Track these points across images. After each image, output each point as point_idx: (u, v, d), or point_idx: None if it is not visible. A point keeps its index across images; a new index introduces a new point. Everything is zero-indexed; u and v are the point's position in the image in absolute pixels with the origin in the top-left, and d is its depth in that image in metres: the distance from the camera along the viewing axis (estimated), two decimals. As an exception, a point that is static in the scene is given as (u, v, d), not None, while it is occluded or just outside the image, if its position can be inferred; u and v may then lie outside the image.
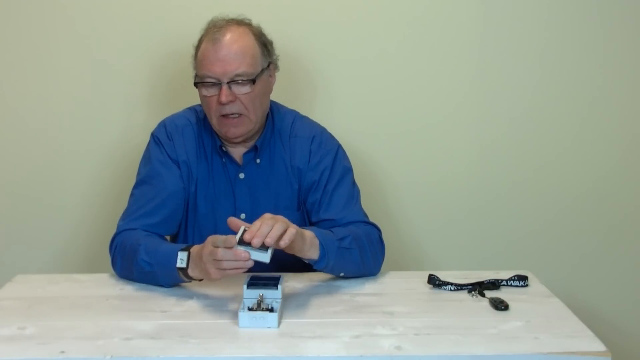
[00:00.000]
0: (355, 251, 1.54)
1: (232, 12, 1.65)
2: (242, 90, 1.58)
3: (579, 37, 2.07)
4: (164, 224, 1.63)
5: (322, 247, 1.46)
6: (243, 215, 1.65)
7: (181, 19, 2.00)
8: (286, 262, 1.65)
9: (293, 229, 1.36)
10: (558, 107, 2.11)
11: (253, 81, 1.58)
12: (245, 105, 1.59)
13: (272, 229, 1.32)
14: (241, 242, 1.32)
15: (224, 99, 1.56)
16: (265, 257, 1.31)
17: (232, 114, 1.59)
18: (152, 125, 1.74)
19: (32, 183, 2.10)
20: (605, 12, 2.06)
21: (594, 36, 2.07)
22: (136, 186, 1.67)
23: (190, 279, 1.45)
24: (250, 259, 1.31)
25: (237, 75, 1.57)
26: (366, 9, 2.04)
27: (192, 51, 1.65)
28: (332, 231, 1.53)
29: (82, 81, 2.05)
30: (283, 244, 1.34)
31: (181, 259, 1.43)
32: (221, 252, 1.31)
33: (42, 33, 2.02)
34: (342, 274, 1.56)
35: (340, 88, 2.08)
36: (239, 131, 1.62)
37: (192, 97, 1.74)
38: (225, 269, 1.33)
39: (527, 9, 2.06)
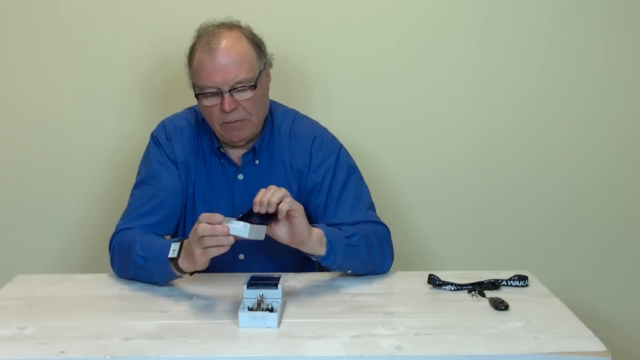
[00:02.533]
0: (363, 249, 1.54)
1: (224, 13, 1.64)
2: (244, 96, 1.57)
3: (579, 34, 2.07)
4: (161, 224, 1.63)
5: (330, 243, 1.47)
6: (241, 216, 1.65)
7: (177, 19, 1.99)
8: (285, 261, 1.65)
9: (289, 198, 1.38)
10: (558, 105, 2.11)
11: (254, 86, 1.58)
12: (248, 110, 1.59)
13: (270, 195, 1.36)
14: (243, 219, 1.35)
15: (227, 107, 1.55)
16: (243, 233, 1.31)
17: (235, 120, 1.58)
18: (151, 125, 1.74)
19: (31, 183, 2.10)
20: (605, 8, 2.06)
21: (594, 32, 2.07)
22: (135, 186, 1.68)
23: (183, 272, 1.44)
24: (229, 234, 1.31)
25: (238, 82, 1.56)
26: (361, 5, 2.04)
27: (188, 52, 1.65)
28: (340, 229, 1.54)
29: (80, 81, 2.05)
30: (284, 206, 1.36)
31: (173, 250, 1.43)
32: (201, 228, 1.32)
33: (39, 34, 2.02)
34: (349, 271, 1.56)
35: (338, 86, 2.08)
36: (243, 135, 1.62)
37: (191, 98, 1.74)
38: (207, 247, 1.33)
39: (527, 4, 2.05)
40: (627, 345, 2.20)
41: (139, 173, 1.69)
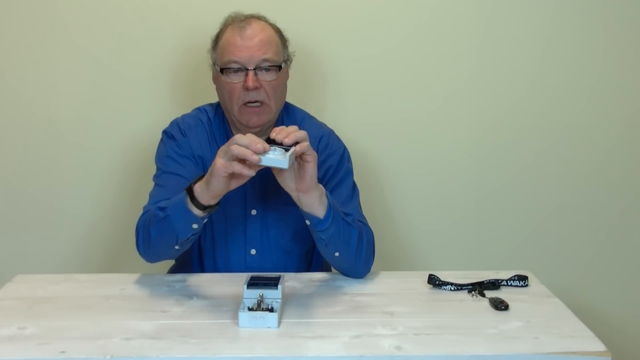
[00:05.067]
0: (355, 232, 1.53)
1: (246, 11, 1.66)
2: (267, 77, 1.59)
3: (579, 31, 2.07)
4: None
5: (330, 207, 1.45)
6: (254, 212, 1.66)
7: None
8: (295, 255, 1.68)
9: (307, 142, 1.36)
10: (557, 102, 2.11)
11: (279, 68, 1.59)
12: (269, 93, 1.59)
13: (293, 130, 1.35)
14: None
15: (250, 84, 1.56)
16: (283, 163, 1.29)
17: (255, 101, 1.59)
18: (157, 127, 1.73)
19: (33, 183, 2.10)
20: (605, 1, 2.06)
21: (594, 25, 2.07)
22: (157, 176, 1.65)
23: (199, 208, 1.40)
24: (263, 149, 1.29)
25: (264, 60, 1.58)
26: (371, 7, 2.05)
27: (204, 55, 1.65)
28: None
29: (91, 81, 2.05)
30: (302, 147, 1.34)
31: (192, 182, 1.41)
32: (238, 136, 1.31)
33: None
34: (336, 254, 1.53)
35: (346, 87, 2.09)
36: (260, 120, 1.61)
37: (205, 99, 1.75)
38: (232, 156, 1.30)
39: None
40: (627, 345, 2.20)
41: (158, 168, 1.67)
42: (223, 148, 1.34)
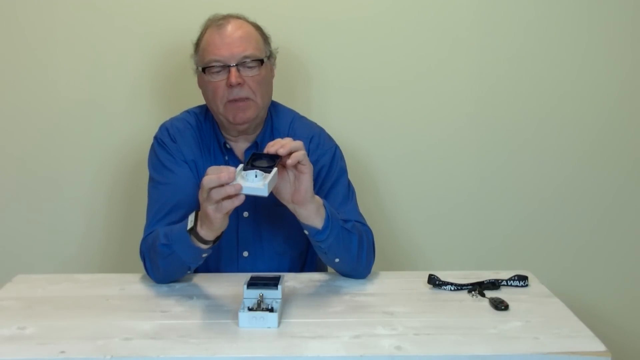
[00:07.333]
0: (355, 237, 1.53)
1: (227, 11, 1.66)
2: (249, 73, 1.58)
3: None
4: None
5: (328, 217, 1.45)
6: (246, 214, 1.65)
7: (183, 16, 1.99)
8: (288, 257, 1.67)
9: (303, 151, 1.36)
10: (555, 97, 2.11)
11: (261, 62, 1.59)
12: (253, 89, 1.59)
13: (289, 141, 1.34)
14: (251, 166, 1.32)
15: (233, 80, 1.56)
16: (262, 192, 1.28)
17: (240, 98, 1.58)
18: (154, 127, 1.73)
19: (33, 183, 2.10)
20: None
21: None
22: (152, 189, 1.66)
23: (206, 243, 1.41)
24: (235, 176, 1.28)
25: (245, 57, 1.57)
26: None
27: (195, 40, 1.66)
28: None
29: (84, 80, 2.05)
30: (299, 155, 1.34)
31: (190, 221, 1.41)
32: (206, 180, 1.29)
33: (40, 32, 2.02)
34: (337, 260, 1.53)
35: (332, 82, 2.08)
36: (246, 115, 1.60)
37: (194, 100, 1.75)
38: (217, 201, 1.29)
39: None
40: (627, 345, 2.20)
41: (151, 178, 1.67)
42: (203, 195, 1.32)
